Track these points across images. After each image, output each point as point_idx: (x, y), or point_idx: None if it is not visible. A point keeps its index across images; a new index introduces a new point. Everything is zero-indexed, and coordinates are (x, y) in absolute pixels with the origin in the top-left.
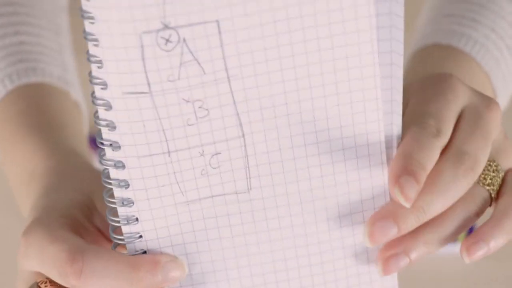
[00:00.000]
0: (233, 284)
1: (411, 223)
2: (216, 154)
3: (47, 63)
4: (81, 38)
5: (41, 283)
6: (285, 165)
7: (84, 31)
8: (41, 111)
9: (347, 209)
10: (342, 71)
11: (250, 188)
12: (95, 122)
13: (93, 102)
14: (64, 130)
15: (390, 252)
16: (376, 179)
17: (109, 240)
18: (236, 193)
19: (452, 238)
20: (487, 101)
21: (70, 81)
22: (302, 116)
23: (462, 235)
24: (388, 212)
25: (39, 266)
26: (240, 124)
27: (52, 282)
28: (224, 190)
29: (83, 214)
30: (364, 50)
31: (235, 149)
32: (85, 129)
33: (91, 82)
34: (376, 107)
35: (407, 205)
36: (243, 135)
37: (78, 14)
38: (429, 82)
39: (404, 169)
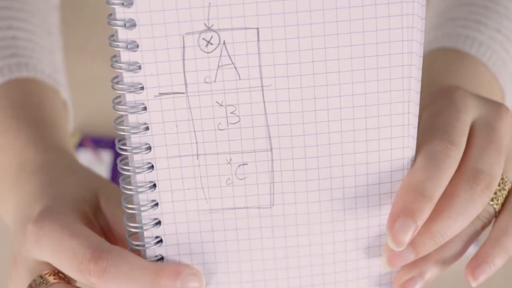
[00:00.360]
0: None
1: (428, 248)
2: (243, 164)
3: (39, 60)
4: (72, 37)
5: (47, 275)
6: (309, 185)
7: (111, 38)
8: (34, 106)
9: (366, 234)
10: (373, 94)
11: (273, 204)
12: (117, 128)
13: (115, 108)
14: (57, 129)
15: (406, 276)
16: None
17: (109, 239)
18: (259, 208)
19: (460, 254)
20: (497, 110)
21: (60, 81)
22: (330, 138)
23: None
24: None
25: (53, 258)
26: (269, 137)
27: (59, 275)
28: (247, 204)
29: (91, 209)
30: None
31: (262, 162)
32: (70, 130)
33: (121, 90)
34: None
35: (398, 249)
36: (271, 149)
37: (70, 14)
38: (438, 95)
39: (403, 209)
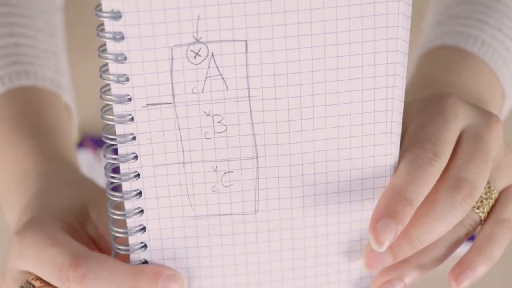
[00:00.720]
0: None
1: (406, 252)
2: (229, 172)
3: (40, 66)
4: (74, 38)
5: (33, 280)
6: (293, 191)
7: (100, 49)
8: (34, 116)
9: (348, 238)
10: (357, 103)
11: (257, 211)
12: (104, 137)
13: (103, 118)
14: (57, 137)
15: (385, 278)
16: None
17: (100, 249)
18: (244, 214)
19: (442, 260)
20: (488, 119)
21: (63, 85)
22: (315, 145)
23: None
24: None
25: (35, 267)
26: (255, 145)
27: (42, 280)
28: (232, 210)
29: (77, 220)
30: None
31: (248, 169)
32: (74, 133)
33: (110, 100)
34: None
35: (380, 249)
36: (257, 157)
37: (72, 14)
38: (429, 102)
39: (386, 211)
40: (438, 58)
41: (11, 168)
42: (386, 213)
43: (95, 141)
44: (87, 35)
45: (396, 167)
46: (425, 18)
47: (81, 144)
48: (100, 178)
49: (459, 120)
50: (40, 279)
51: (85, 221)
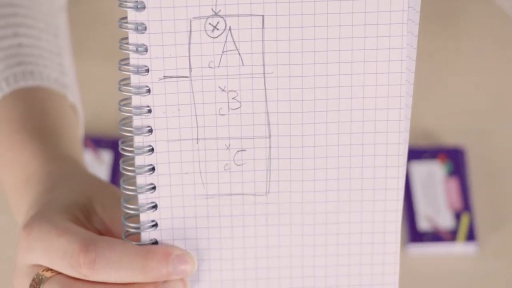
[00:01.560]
0: (238, 285)
1: None
2: (242, 150)
3: (45, 66)
4: (74, 39)
5: (43, 271)
6: (305, 174)
7: (121, 20)
8: (38, 117)
9: (359, 229)
10: (371, 86)
11: (268, 192)
12: (122, 129)
13: (120, 90)
14: (62, 137)
15: None
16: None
17: None
18: (254, 195)
19: None
20: None
21: (68, 84)
22: (328, 128)
23: (463, 235)
24: None
25: (45, 259)
26: (269, 124)
27: (53, 270)
28: (243, 190)
29: (82, 214)
30: (393, 69)
31: (260, 149)
32: (81, 132)
33: (127, 71)
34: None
35: None
36: (270, 136)
37: (75, 12)
38: None
39: None
40: None
41: (17, 170)
42: None
43: (95, 141)
44: (86, 36)
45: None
46: None
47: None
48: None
49: None
50: (51, 270)
51: (90, 214)
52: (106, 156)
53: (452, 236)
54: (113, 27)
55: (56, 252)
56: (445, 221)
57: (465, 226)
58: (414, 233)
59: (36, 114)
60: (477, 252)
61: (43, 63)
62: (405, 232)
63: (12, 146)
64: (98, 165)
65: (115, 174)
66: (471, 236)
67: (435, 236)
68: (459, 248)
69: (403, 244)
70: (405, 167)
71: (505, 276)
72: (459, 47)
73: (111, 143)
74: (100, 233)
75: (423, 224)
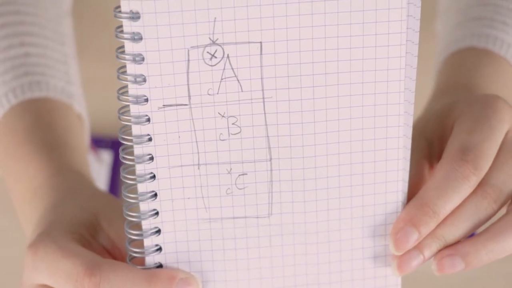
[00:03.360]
0: None
1: (433, 248)
2: (243, 174)
3: (51, 76)
4: (80, 36)
5: None
6: (307, 195)
7: (118, 50)
8: (45, 128)
9: (361, 244)
10: (369, 106)
11: (271, 214)
12: (121, 138)
13: (120, 119)
14: (68, 150)
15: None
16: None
17: (114, 257)
18: (257, 217)
19: (465, 235)
20: None
21: (74, 94)
22: (328, 148)
23: None
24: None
25: (50, 280)
26: (269, 148)
27: None
28: (246, 213)
29: (88, 231)
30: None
31: (262, 172)
32: (87, 141)
33: (127, 101)
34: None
35: (397, 253)
36: (271, 159)
37: (77, 12)
38: (475, 105)
39: (411, 219)
40: (466, 60)
41: (24, 183)
42: (411, 221)
43: (95, 141)
44: (86, 37)
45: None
46: (439, 17)
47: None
48: (100, 178)
49: (504, 126)
50: None
51: (96, 231)
52: (106, 156)
53: None
54: (115, 27)
55: (60, 274)
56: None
57: None
58: None
59: (43, 126)
60: None
61: (50, 73)
62: None
63: (20, 158)
64: (98, 165)
65: (115, 174)
66: (471, 236)
67: None
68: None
69: None
70: (406, 183)
71: (505, 276)
72: None
73: (111, 143)
74: (106, 249)
75: None
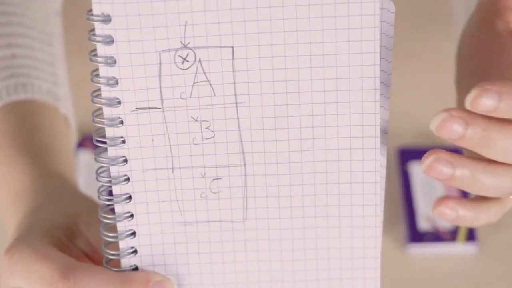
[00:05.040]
0: None
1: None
2: (217, 178)
3: (37, 78)
4: (73, 39)
5: None
6: (281, 201)
7: (91, 53)
8: (30, 132)
9: (337, 253)
10: (345, 115)
11: (246, 219)
12: (96, 140)
13: (94, 121)
14: (52, 153)
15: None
16: (368, 231)
17: (93, 261)
18: (232, 222)
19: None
20: None
21: (60, 96)
22: (302, 156)
23: (463, 235)
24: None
25: (25, 283)
26: (243, 153)
27: None
28: (221, 217)
29: (65, 235)
30: (367, 98)
31: (236, 177)
32: (73, 143)
33: (100, 103)
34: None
35: (472, 109)
36: (245, 164)
37: (70, 16)
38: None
39: (497, 83)
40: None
41: (8, 186)
42: (494, 86)
43: (92, 140)
44: (85, 35)
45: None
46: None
47: (81, 144)
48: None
49: None
50: None
51: (74, 235)
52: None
53: (452, 236)
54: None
55: (35, 278)
56: (445, 221)
57: (465, 226)
58: (414, 233)
59: (28, 129)
60: (477, 252)
61: (36, 74)
62: (405, 232)
63: (3, 162)
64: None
65: None
66: (471, 236)
67: (435, 236)
68: (459, 248)
69: (403, 244)
70: (383, 194)
71: (505, 276)
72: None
73: None
74: (85, 253)
75: (423, 224)
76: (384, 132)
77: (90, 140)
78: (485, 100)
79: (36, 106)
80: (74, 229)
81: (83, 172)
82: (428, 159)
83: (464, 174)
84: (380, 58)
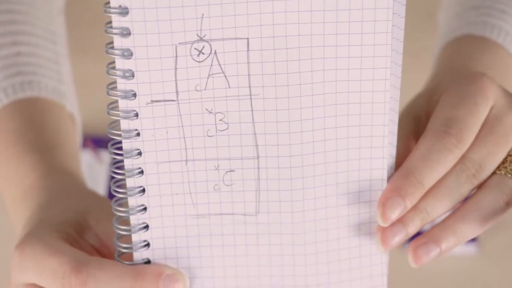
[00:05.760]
0: None
1: (417, 224)
2: (230, 171)
3: (43, 75)
4: (74, 39)
5: None
6: (294, 195)
7: (108, 46)
8: (37, 129)
9: (347, 244)
10: (355, 104)
11: (258, 212)
12: (110, 133)
13: (109, 113)
14: (59, 150)
15: (421, 242)
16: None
17: (103, 256)
18: (244, 215)
19: (481, 229)
20: (511, 103)
21: (65, 93)
22: (314, 147)
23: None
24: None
25: (37, 278)
26: (256, 145)
27: None
28: (233, 210)
29: (75, 231)
30: (377, 88)
31: (249, 169)
32: (78, 140)
33: (116, 96)
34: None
35: (384, 224)
36: (258, 157)
37: (71, 15)
38: (460, 82)
39: (398, 189)
40: (465, 47)
41: (16, 183)
42: (397, 192)
43: (95, 141)
44: (87, 36)
45: (415, 145)
46: (441, 8)
47: (82, 144)
48: (100, 178)
49: (488, 102)
50: None
51: (84, 231)
52: (106, 156)
53: None
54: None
55: (47, 272)
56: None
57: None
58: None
59: (34, 126)
60: (477, 252)
61: (41, 72)
62: None
63: (12, 158)
64: (98, 165)
65: None
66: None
67: None
68: (459, 248)
69: (403, 244)
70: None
71: (505, 276)
72: None
73: None
74: (95, 248)
75: None
76: (393, 134)
77: (91, 140)
78: (391, 213)
79: (42, 104)
80: (84, 225)
81: (84, 172)
82: (409, 255)
83: (450, 242)
84: (392, 50)
